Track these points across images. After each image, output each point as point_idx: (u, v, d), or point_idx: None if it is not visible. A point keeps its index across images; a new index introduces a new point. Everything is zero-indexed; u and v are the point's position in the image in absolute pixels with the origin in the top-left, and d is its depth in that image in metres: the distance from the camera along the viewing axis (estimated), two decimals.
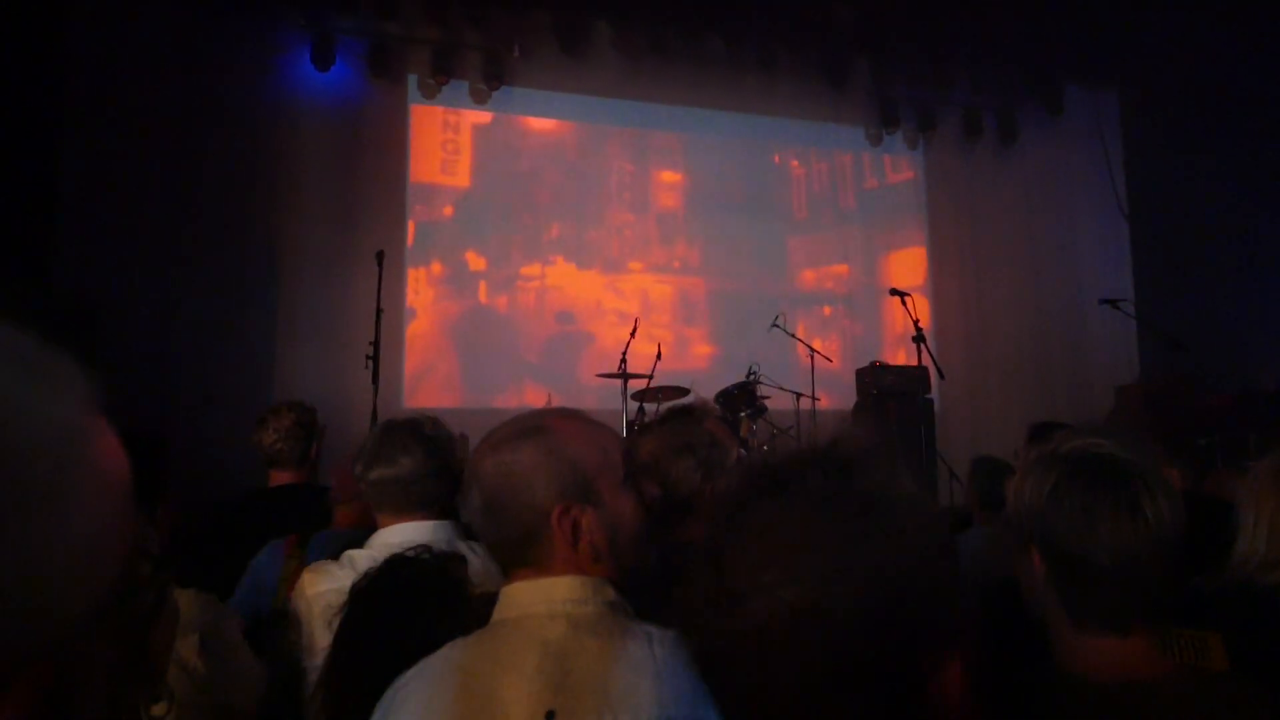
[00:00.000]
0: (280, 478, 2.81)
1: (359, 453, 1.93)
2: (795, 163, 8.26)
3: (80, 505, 0.48)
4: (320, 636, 1.72)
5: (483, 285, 7.25)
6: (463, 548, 1.86)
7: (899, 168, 8.46)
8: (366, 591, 1.45)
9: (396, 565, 1.48)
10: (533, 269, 7.37)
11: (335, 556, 1.88)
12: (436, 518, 1.89)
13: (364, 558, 1.79)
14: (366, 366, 5.18)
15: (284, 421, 2.77)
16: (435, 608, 1.38)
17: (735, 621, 0.68)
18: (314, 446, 2.80)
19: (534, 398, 6.86)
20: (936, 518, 0.74)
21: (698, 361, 7.35)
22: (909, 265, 8.29)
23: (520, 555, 1.18)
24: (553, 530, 1.16)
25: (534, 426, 1.22)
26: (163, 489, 1.74)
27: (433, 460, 1.88)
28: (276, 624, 1.90)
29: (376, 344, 5.24)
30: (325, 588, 1.78)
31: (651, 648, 1.10)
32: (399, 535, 1.81)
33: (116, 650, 0.94)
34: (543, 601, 1.13)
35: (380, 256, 5.39)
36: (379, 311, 5.31)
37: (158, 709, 1.06)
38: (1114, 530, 1.08)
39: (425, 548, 1.51)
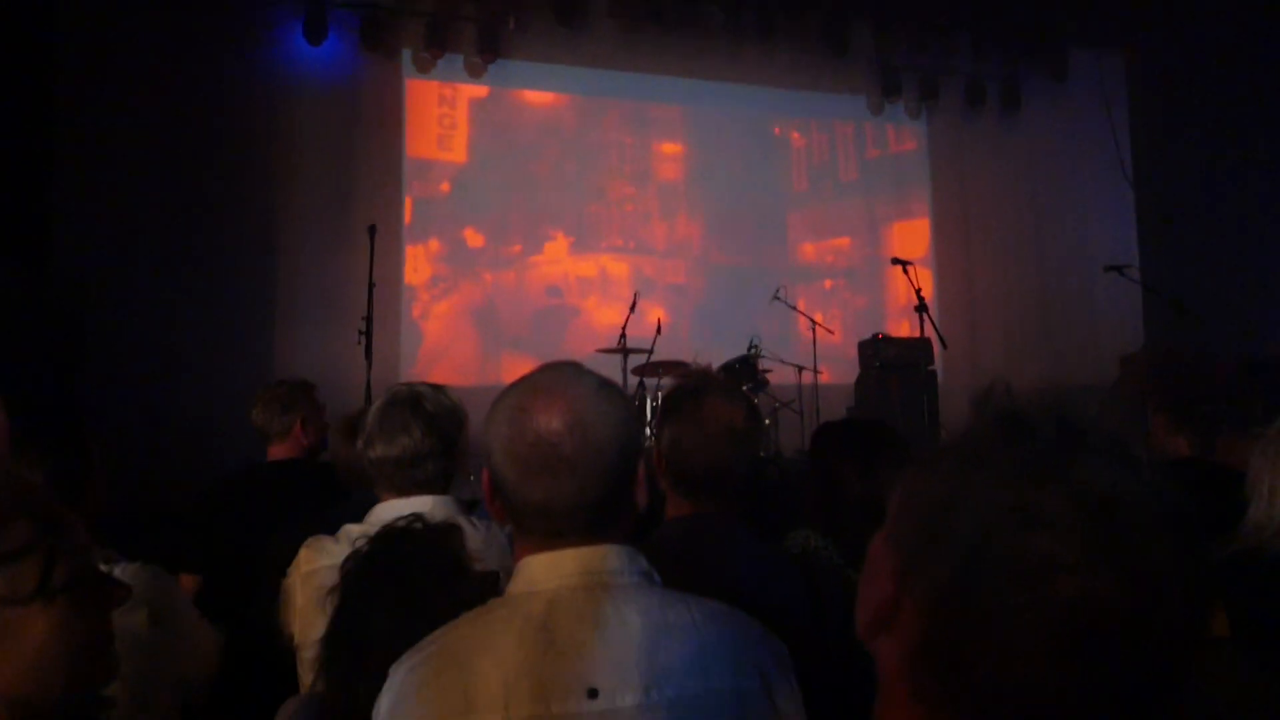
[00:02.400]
0: (275, 452, 2.83)
1: (360, 426, 1.89)
2: (796, 134, 8.17)
3: None
4: (313, 615, 1.67)
5: (481, 261, 7.20)
6: (463, 522, 1.83)
7: (901, 137, 8.36)
8: (357, 571, 1.40)
9: (389, 539, 1.43)
10: (531, 244, 7.31)
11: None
12: (436, 494, 1.85)
13: (362, 533, 1.76)
14: (359, 342, 5.14)
15: (265, 395, 2.82)
16: (433, 582, 1.34)
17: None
18: (297, 420, 2.78)
19: None
20: None
21: (698, 335, 7.29)
22: (912, 236, 8.21)
23: (590, 519, 1.08)
24: (635, 488, 1.11)
25: (601, 379, 1.14)
26: (86, 481, 1.77)
27: (432, 438, 1.82)
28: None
29: (369, 319, 5.21)
30: (321, 564, 1.75)
31: (693, 616, 1.05)
32: (397, 511, 1.75)
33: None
34: (577, 572, 1.06)
35: (372, 231, 5.33)
36: (371, 286, 5.27)
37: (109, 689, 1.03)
38: None
39: (417, 516, 1.46)
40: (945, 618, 0.59)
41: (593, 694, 0.98)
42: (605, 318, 7.06)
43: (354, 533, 1.77)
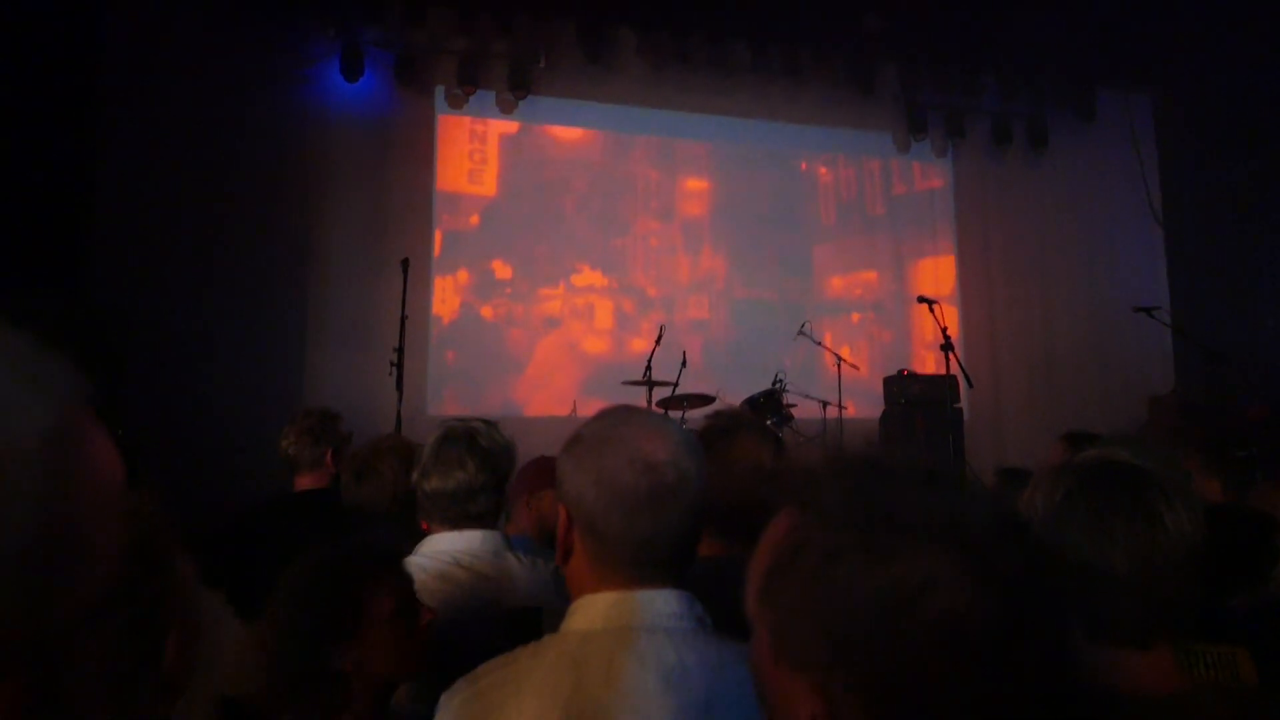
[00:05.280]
0: (302, 482, 2.84)
1: (416, 460, 1.93)
2: (823, 170, 8.22)
3: (65, 506, 0.47)
4: None
5: (508, 293, 7.27)
6: (510, 559, 1.85)
7: (928, 174, 8.38)
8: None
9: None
10: (558, 277, 7.38)
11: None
12: (486, 529, 1.89)
13: (413, 563, 1.79)
14: (390, 373, 5.21)
15: (297, 426, 2.82)
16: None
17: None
18: (328, 451, 2.81)
19: (559, 406, 6.86)
20: None
21: (723, 369, 7.30)
22: (938, 273, 8.20)
23: (678, 552, 1.09)
24: (703, 528, 1.13)
25: (683, 427, 1.19)
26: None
27: (485, 474, 1.87)
28: None
29: (401, 350, 5.27)
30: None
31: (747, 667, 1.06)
32: (448, 543, 1.83)
33: (125, 654, 0.93)
34: (637, 613, 1.05)
35: (405, 264, 5.42)
36: (403, 318, 5.34)
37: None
38: (1129, 538, 1.03)
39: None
40: (885, 706, 0.61)
41: None
42: (631, 350, 7.10)
43: (410, 563, 1.80)
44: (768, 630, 0.68)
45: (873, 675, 0.61)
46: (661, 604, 1.07)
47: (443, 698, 1.09)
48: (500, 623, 1.72)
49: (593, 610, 1.08)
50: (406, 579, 1.48)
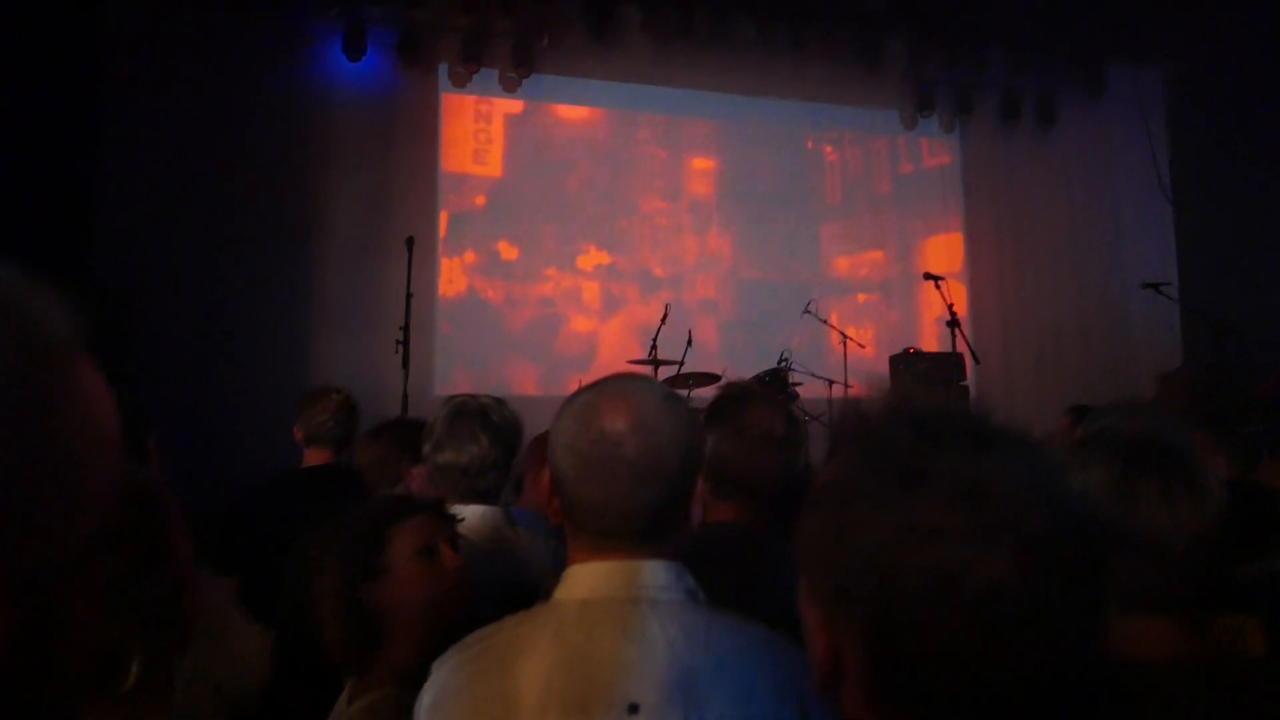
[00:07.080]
0: (316, 458, 2.85)
1: (427, 433, 1.93)
2: (829, 148, 8.16)
3: (43, 438, 0.45)
4: None
5: (515, 273, 7.27)
6: (508, 535, 1.86)
7: (935, 151, 8.32)
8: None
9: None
10: (564, 258, 7.37)
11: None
12: (488, 504, 1.90)
13: None
14: (397, 352, 5.22)
15: (334, 401, 2.84)
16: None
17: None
18: (354, 428, 2.84)
19: (564, 385, 6.87)
20: None
21: (729, 348, 7.30)
22: (946, 250, 8.16)
23: (643, 525, 1.08)
24: (691, 501, 1.13)
25: (669, 391, 1.18)
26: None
27: (498, 449, 1.88)
28: None
29: (406, 329, 5.28)
30: None
31: (736, 641, 1.06)
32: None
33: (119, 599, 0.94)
34: (624, 585, 1.06)
35: (410, 242, 5.41)
36: (409, 297, 5.35)
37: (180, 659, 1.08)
38: (1156, 508, 1.03)
39: None
40: (880, 651, 0.62)
41: (634, 709, 0.98)
42: (637, 329, 7.10)
43: None
44: (801, 563, 0.70)
45: (870, 618, 0.63)
46: (649, 575, 1.07)
47: (434, 666, 1.11)
48: (493, 598, 1.74)
49: (580, 580, 1.09)
50: (433, 524, 1.49)
